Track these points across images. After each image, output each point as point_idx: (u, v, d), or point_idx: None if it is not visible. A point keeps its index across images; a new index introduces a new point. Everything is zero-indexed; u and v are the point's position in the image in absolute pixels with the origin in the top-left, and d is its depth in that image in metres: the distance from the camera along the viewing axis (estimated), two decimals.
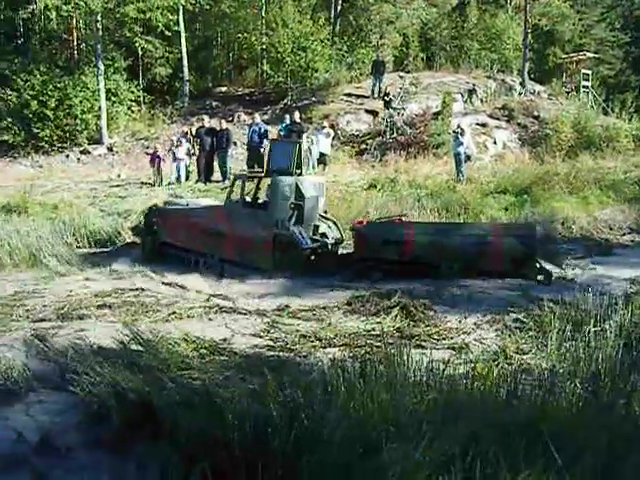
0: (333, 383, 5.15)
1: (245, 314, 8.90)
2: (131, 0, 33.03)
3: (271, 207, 12.31)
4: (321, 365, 6.25)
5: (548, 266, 11.56)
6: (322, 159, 24.12)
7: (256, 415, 4.65)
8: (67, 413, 5.94)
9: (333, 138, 27.33)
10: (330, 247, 12.60)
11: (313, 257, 12.18)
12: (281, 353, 7.13)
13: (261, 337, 7.79)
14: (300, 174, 12.83)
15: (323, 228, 12.87)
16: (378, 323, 8.24)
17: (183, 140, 23.09)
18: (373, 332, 7.82)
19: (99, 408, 5.60)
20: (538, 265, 11.43)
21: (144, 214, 14.97)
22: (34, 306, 9.61)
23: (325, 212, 13.56)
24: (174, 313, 8.86)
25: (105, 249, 14.90)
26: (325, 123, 26.01)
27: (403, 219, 13.17)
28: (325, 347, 7.32)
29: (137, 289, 10.49)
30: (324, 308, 9.07)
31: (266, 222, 12.20)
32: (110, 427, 5.38)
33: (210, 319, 8.71)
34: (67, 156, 33.00)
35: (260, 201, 13.23)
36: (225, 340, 7.60)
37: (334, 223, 13.24)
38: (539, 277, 11.28)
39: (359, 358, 6.51)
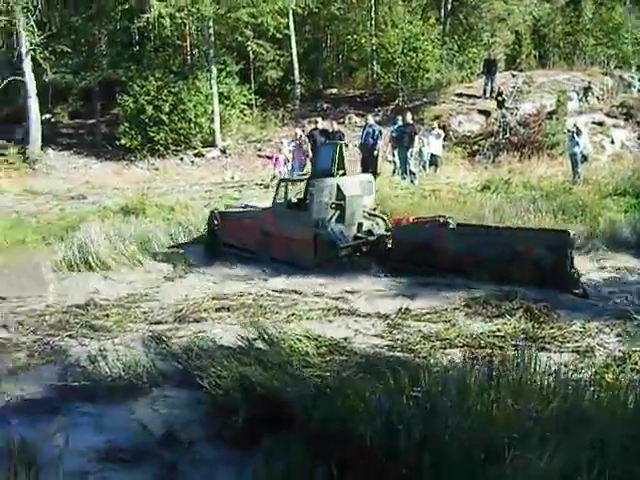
0: (465, 385, 5.14)
1: (365, 316, 8.91)
2: (242, 5, 33.51)
3: (310, 208, 12.79)
4: (442, 366, 6.22)
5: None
6: (433, 160, 24.03)
7: (389, 411, 4.70)
8: (190, 408, 6.15)
9: (445, 139, 27.15)
10: (372, 243, 13.05)
11: (354, 253, 12.85)
12: (401, 354, 7.15)
13: (383, 337, 7.81)
14: (344, 174, 13.71)
15: (368, 225, 13.40)
16: (504, 324, 8.15)
17: (294, 142, 23.32)
18: (498, 333, 7.77)
19: (225, 402, 5.73)
20: (575, 276, 10.86)
21: (208, 217, 15.50)
22: (151, 309, 9.87)
23: (374, 209, 14.24)
24: (293, 315, 8.95)
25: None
26: (434, 124, 25.89)
27: (443, 220, 12.77)
28: (445, 348, 7.31)
29: (255, 292, 10.58)
30: (445, 309, 9.02)
31: (307, 222, 12.77)
32: (235, 421, 5.50)
33: (330, 321, 8.75)
34: (181, 159, 33.76)
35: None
36: (346, 339, 7.66)
37: (383, 220, 13.78)
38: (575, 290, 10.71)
39: (480, 360, 6.47)
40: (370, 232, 13.31)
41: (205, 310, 9.44)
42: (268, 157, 24.72)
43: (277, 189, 13.80)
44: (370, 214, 13.86)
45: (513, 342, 7.25)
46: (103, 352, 7.48)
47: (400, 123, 23.01)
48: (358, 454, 4.46)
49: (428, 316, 8.78)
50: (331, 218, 12.92)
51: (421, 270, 11.78)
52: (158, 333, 8.34)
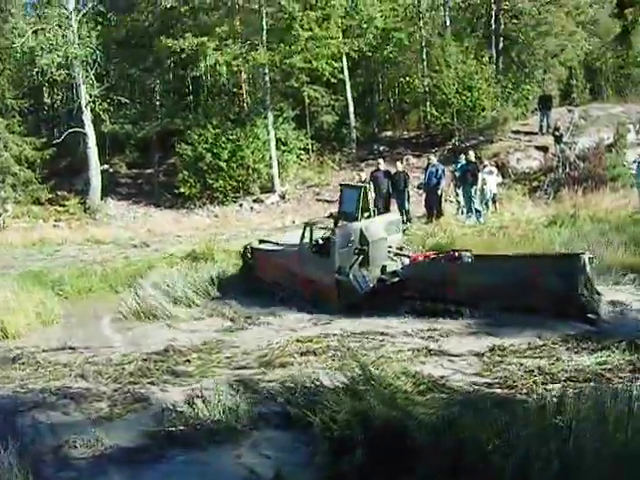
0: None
1: (457, 355, 8.71)
2: (297, 51, 33.86)
3: (332, 255, 13.13)
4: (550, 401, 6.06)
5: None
6: (492, 198, 23.82)
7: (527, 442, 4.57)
8: (297, 450, 6.01)
9: (503, 176, 27.03)
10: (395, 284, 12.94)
11: (375, 294, 12.75)
12: (500, 390, 6.98)
13: (482, 376, 7.63)
14: (369, 216, 14.19)
15: (392, 266, 13.54)
16: (608, 357, 7.91)
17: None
18: (604, 366, 7.54)
19: (341, 439, 5.59)
20: (587, 301, 10.53)
21: (242, 251, 16.23)
22: (233, 354, 9.75)
23: (401, 248, 14.45)
24: (382, 357, 8.64)
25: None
26: (486, 162, 25.60)
27: (457, 254, 12.84)
28: (546, 383, 7.10)
29: (340, 334, 10.40)
30: (544, 345, 8.78)
31: (330, 269, 13.15)
32: (350, 461, 5.35)
33: (422, 362, 8.45)
34: (241, 205, 34.02)
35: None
36: (443, 377, 7.49)
37: (408, 257, 13.91)
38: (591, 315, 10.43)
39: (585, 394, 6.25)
40: (395, 273, 13.31)
41: (290, 355, 9.23)
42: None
43: (303, 232, 14.07)
44: (397, 253, 14.07)
45: (620, 375, 7.03)
46: (199, 395, 7.38)
47: (463, 162, 22.89)
48: None
49: (527, 352, 8.54)
50: (354, 263, 13.18)
51: (438, 307, 11.72)
52: (245, 378, 8.22)
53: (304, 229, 14.12)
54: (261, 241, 16.92)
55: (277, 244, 15.98)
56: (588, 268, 10.84)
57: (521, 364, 7.84)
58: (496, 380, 7.34)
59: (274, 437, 6.35)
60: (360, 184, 16.46)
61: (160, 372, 8.98)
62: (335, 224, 14.58)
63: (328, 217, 16.17)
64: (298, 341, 10.04)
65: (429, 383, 6.99)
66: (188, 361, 9.51)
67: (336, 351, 9.21)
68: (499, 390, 6.97)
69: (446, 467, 4.65)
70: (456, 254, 12.78)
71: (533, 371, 7.50)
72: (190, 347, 10.36)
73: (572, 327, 9.81)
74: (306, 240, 13.87)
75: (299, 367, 8.53)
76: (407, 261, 13.75)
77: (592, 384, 6.82)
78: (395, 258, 13.92)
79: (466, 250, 13.05)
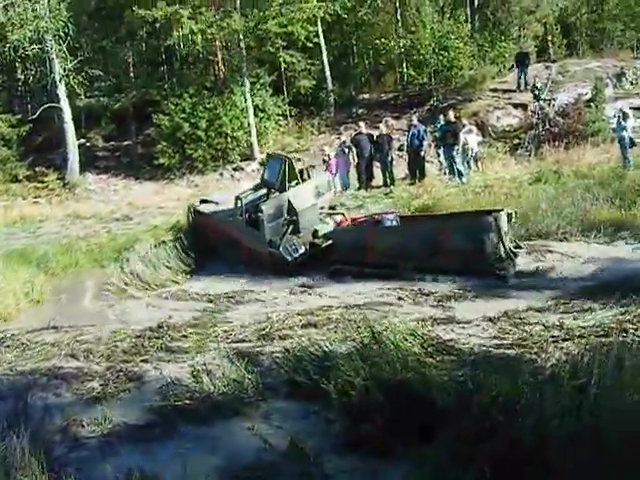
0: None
1: (468, 322, 8.57)
2: (271, 16, 33.53)
3: (262, 229, 13.95)
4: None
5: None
6: (474, 156, 23.73)
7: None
8: (310, 419, 5.98)
9: (484, 135, 27.03)
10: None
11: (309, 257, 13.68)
12: (511, 350, 6.93)
13: (495, 338, 7.54)
14: (297, 184, 14.78)
15: (325, 228, 14.21)
16: (622, 314, 7.86)
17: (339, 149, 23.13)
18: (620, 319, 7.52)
19: (359, 407, 5.54)
20: (496, 260, 11.00)
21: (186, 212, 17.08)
22: (231, 328, 9.57)
23: (334, 207, 15.49)
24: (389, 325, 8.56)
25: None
26: (465, 121, 25.45)
27: (384, 217, 13.61)
28: (557, 341, 7.06)
29: (344, 306, 10.20)
30: (546, 308, 8.74)
31: (262, 240, 13.96)
32: (368, 428, 5.33)
33: (429, 331, 8.18)
34: (221, 174, 33.80)
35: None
36: (452, 340, 7.42)
37: (343, 215, 14.80)
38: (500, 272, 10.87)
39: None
40: (326, 236, 13.99)
41: (290, 327, 9.12)
42: (324, 161, 24.17)
43: (235, 203, 14.71)
44: (329, 214, 14.92)
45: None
46: (202, 369, 7.32)
47: (442, 122, 22.78)
48: (511, 451, 4.33)
49: (540, 313, 8.47)
50: (284, 233, 13.96)
51: (358, 270, 12.33)
52: (245, 350, 8.13)
53: (235, 202, 14.67)
54: (202, 201, 17.56)
55: (217, 204, 16.45)
56: (503, 225, 11.28)
57: (535, 324, 7.80)
58: (509, 342, 7.27)
59: (284, 407, 6.32)
60: (284, 155, 16.98)
61: (155, 349, 8.86)
62: (267, 194, 15.25)
63: (255, 188, 16.22)
64: (298, 314, 9.87)
65: (437, 345, 6.94)
66: (185, 336, 9.37)
67: (338, 323, 9.04)
68: (510, 350, 6.90)
69: (470, 430, 4.62)
70: (378, 217, 13.68)
71: (548, 329, 7.46)
72: (184, 322, 10.23)
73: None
74: (240, 212, 14.54)
75: (300, 339, 8.30)
76: (340, 219, 14.64)
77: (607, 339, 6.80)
78: (328, 220, 14.63)
79: (391, 212, 14.02)
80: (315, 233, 14.09)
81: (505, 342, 7.24)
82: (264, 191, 15.51)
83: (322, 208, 14.91)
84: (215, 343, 8.83)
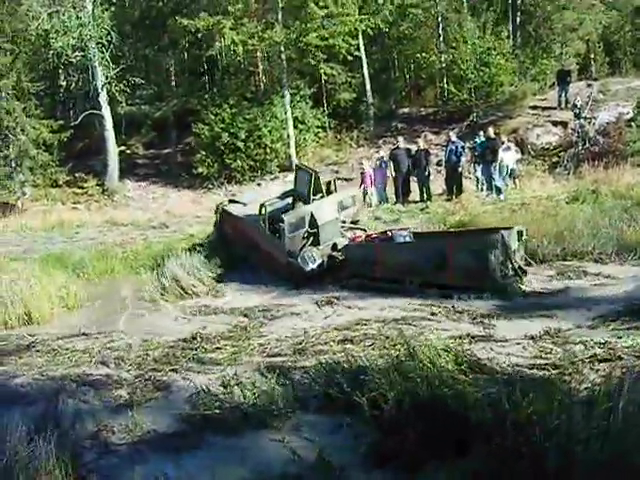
0: None
1: (505, 341, 8.38)
2: (313, 29, 33.69)
3: (282, 239, 14.22)
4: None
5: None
6: (512, 173, 23.62)
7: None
8: (340, 433, 5.96)
9: (523, 152, 26.91)
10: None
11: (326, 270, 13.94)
12: (545, 371, 6.86)
13: (534, 358, 7.46)
14: (322, 197, 15.02)
15: (342, 243, 14.39)
16: None
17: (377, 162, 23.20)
18: None
19: (390, 421, 5.55)
20: (499, 279, 11.10)
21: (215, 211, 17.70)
22: (267, 342, 9.44)
23: (357, 221, 15.67)
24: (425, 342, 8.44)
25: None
26: (504, 138, 25.35)
27: (396, 233, 13.88)
28: (594, 362, 6.97)
29: (382, 320, 9.97)
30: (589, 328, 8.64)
31: (281, 250, 14.24)
32: (400, 442, 5.32)
33: (467, 349, 7.93)
34: (259, 184, 33.97)
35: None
36: (489, 359, 7.35)
37: (363, 230, 15.28)
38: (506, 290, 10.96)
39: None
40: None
41: (326, 342, 8.95)
42: (362, 174, 24.27)
43: (259, 212, 14.79)
44: (351, 227, 15.29)
45: None
46: (236, 379, 7.34)
47: (482, 139, 22.71)
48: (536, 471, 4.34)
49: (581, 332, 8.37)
50: (304, 245, 14.26)
51: (370, 284, 12.64)
52: (278, 364, 8.06)
53: (260, 208, 14.77)
54: (231, 201, 18.16)
55: (245, 205, 16.78)
56: (512, 243, 11.42)
57: (576, 343, 7.72)
58: (546, 362, 7.19)
59: (315, 420, 6.26)
60: (311, 169, 16.73)
61: (186, 359, 8.78)
62: (292, 204, 15.47)
63: (282, 196, 16.42)
64: (335, 329, 9.72)
65: (473, 362, 6.88)
66: (218, 348, 9.28)
67: (375, 339, 8.83)
68: (545, 371, 6.83)
69: (505, 447, 4.61)
70: (390, 234, 13.91)
71: (588, 349, 7.40)
72: (218, 334, 10.13)
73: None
74: (263, 219, 14.70)
75: (336, 354, 8.17)
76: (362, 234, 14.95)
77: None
78: (348, 234, 14.92)
79: (405, 228, 14.54)
80: (334, 246, 14.37)
81: (542, 362, 7.15)
82: (289, 200, 15.80)
83: (344, 222, 15.19)
84: (249, 356, 8.74)
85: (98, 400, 7.47)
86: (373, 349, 8.29)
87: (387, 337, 8.74)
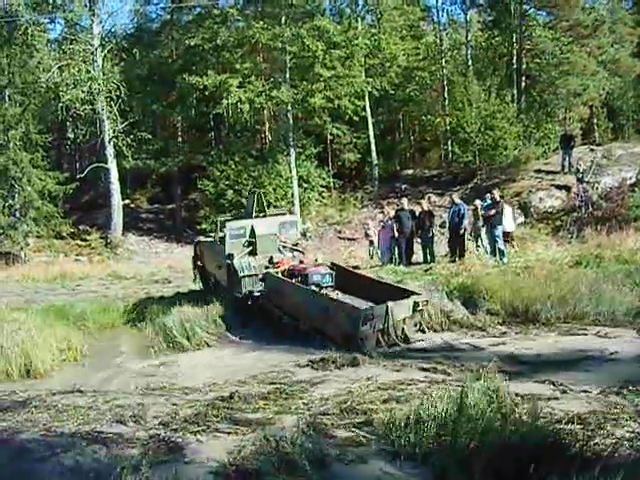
0: None
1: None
2: (319, 89, 34.01)
3: (224, 244, 16.54)
4: None
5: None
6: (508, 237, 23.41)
7: None
8: None
9: (526, 215, 26.96)
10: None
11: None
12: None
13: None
14: (264, 216, 17.98)
15: (277, 258, 16.28)
16: None
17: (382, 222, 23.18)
18: None
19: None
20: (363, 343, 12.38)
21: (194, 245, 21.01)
22: (311, 400, 9.20)
23: (296, 244, 17.48)
24: None
25: None
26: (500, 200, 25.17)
27: (315, 270, 15.25)
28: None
29: (429, 381, 9.88)
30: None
31: (223, 255, 16.47)
32: None
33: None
34: None
35: None
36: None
37: (301, 253, 17.20)
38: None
39: None
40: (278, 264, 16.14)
41: (371, 402, 8.67)
42: (367, 234, 24.47)
43: (215, 227, 17.97)
44: (292, 248, 17.11)
45: None
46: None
47: (489, 201, 22.62)
48: None
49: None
50: (244, 252, 16.29)
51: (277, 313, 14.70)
52: (320, 423, 7.80)
53: (216, 226, 17.88)
54: (207, 236, 20.95)
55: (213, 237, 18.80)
56: (398, 313, 12.90)
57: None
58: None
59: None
60: (257, 190, 20.91)
61: (218, 419, 8.37)
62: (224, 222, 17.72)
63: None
64: (379, 388, 9.57)
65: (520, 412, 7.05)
66: (262, 408, 8.93)
67: (419, 400, 8.24)
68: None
69: None
70: (307, 270, 15.10)
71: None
72: (256, 393, 9.77)
73: None
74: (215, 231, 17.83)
75: (380, 415, 7.91)
76: (298, 255, 16.92)
77: None
78: (285, 252, 16.76)
79: (324, 267, 15.69)
80: (270, 259, 16.17)
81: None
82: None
83: (285, 242, 17.06)
84: (289, 415, 8.42)
85: (107, 459, 7.18)
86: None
87: (431, 395, 8.31)
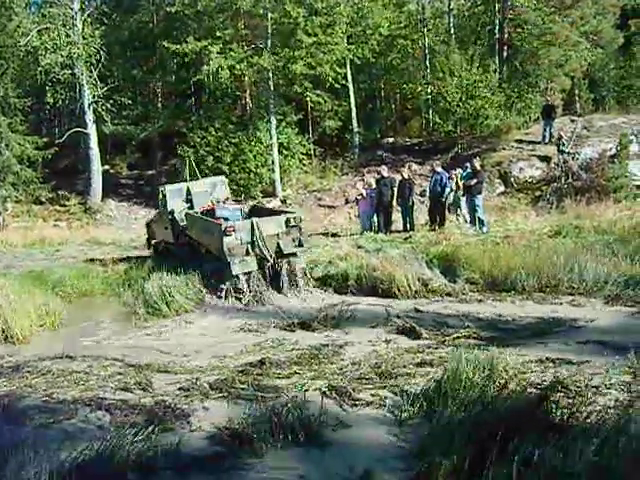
0: None
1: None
2: (301, 56, 33.82)
3: (163, 203, 19.41)
4: None
5: None
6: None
7: None
8: None
9: (506, 185, 26.99)
10: None
11: None
12: None
13: None
14: (197, 179, 20.74)
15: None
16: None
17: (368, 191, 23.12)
18: None
19: None
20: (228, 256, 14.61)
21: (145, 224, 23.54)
22: (343, 366, 9.14)
23: (227, 198, 19.38)
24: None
25: None
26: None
27: (221, 205, 17.97)
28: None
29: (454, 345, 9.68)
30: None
31: (164, 213, 19.47)
32: None
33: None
34: None
35: None
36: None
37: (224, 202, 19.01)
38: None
39: None
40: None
41: (404, 366, 8.72)
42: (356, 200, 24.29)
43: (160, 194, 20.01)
44: (218, 200, 18.67)
45: None
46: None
47: (469, 169, 22.62)
48: None
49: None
50: (185, 207, 18.51)
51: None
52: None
53: (159, 193, 19.99)
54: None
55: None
56: (267, 229, 14.95)
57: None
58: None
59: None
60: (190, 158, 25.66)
61: (244, 385, 8.30)
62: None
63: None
64: (407, 352, 9.61)
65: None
66: (296, 372, 8.87)
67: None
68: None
69: None
70: (212, 207, 17.75)
71: None
72: (287, 359, 9.67)
73: None
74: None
75: (418, 378, 8.08)
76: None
77: None
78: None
79: (232, 204, 19.17)
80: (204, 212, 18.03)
81: None
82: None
83: (219, 199, 18.84)
84: (319, 380, 8.36)
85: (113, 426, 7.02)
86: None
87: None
